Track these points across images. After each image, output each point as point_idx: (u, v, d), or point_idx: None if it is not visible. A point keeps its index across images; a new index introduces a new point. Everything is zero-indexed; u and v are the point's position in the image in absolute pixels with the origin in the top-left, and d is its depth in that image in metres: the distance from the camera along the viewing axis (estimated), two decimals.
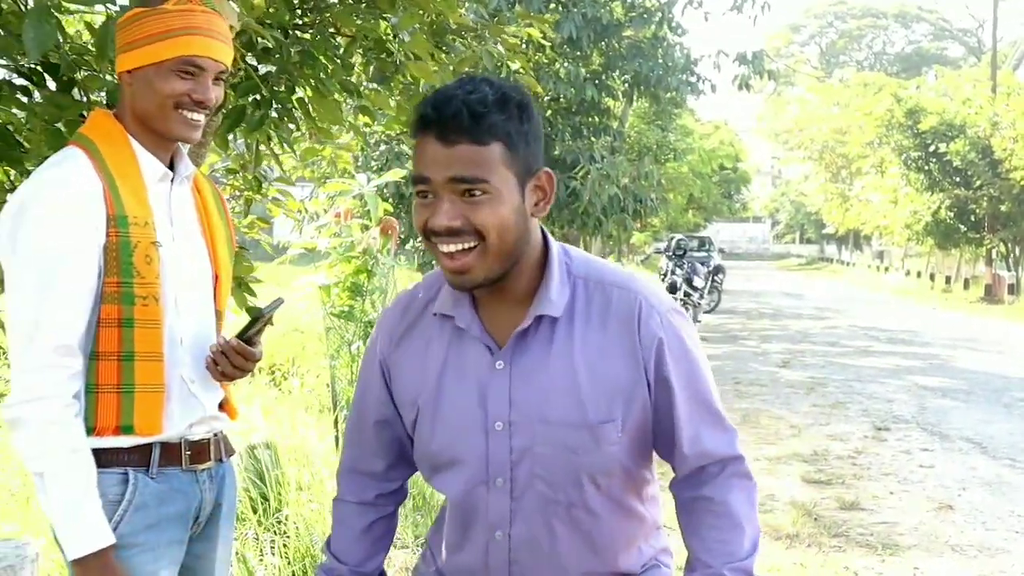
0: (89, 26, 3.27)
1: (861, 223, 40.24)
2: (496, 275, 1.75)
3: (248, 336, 2.26)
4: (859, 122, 34.93)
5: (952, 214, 30.78)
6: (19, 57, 2.84)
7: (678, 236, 24.27)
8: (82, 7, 2.92)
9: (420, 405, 1.90)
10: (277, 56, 3.42)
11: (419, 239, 13.09)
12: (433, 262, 12.04)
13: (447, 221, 1.68)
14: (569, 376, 1.81)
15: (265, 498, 4.94)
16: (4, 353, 9.71)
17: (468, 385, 1.85)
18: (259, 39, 3.29)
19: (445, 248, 1.72)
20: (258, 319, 2.26)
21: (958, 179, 30.14)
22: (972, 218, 30.74)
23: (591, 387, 1.80)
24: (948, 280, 33.81)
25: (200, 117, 2.20)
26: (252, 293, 3.92)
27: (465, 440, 1.85)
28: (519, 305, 1.83)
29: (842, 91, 44.07)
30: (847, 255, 57.24)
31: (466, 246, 1.71)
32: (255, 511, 4.83)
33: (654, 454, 1.98)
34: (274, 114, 3.59)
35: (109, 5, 2.44)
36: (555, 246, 1.87)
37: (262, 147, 3.91)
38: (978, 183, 29.15)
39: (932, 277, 35.33)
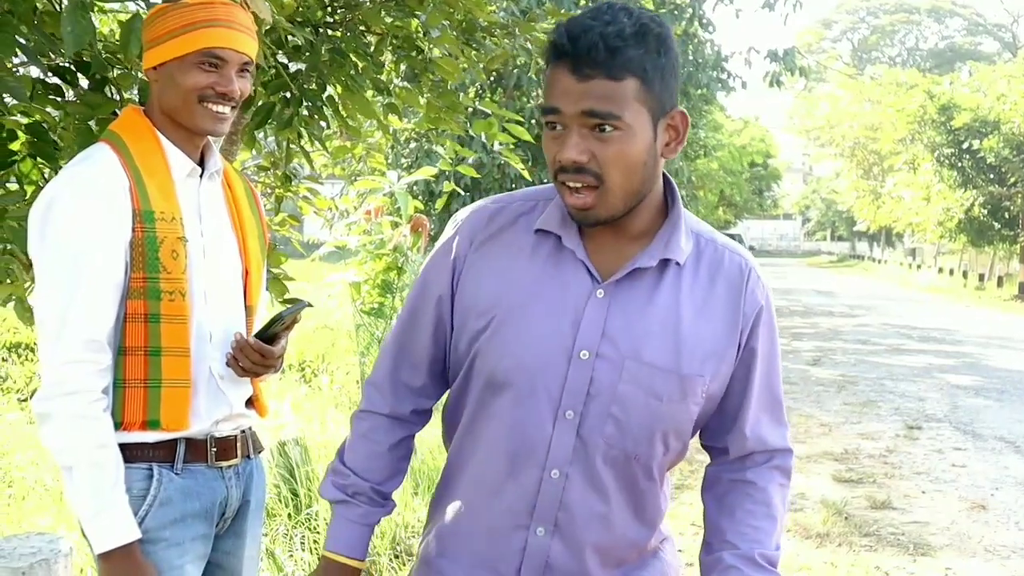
0: (122, 24, 3.29)
1: (893, 220, 39.92)
2: (619, 213, 1.69)
3: (267, 335, 2.26)
4: (891, 119, 34.64)
5: (986, 211, 30.51)
6: (53, 56, 2.87)
7: None
8: (115, 4, 2.94)
9: (496, 316, 1.76)
10: (308, 54, 3.44)
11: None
12: None
13: (576, 155, 1.61)
14: (671, 322, 1.73)
15: (295, 494, 4.97)
16: (32, 349, 9.81)
17: (559, 307, 1.73)
18: (290, 37, 3.31)
19: (572, 183, 1.65)
20: (277, 321, 2.25)
21: (992, 176, 29.86)
22: (1006, 215, 30.45)
23: (690, 338, 1.74)
24: (981, 278, 33.52)
25: (225, 109, 2.20)
26: (287, 290, 3.94)
27: (543, 362, 1.72)
28: (632, 242, 1.75)
29: (874, 87, 43.73)
30: (879, 252, 56.87)
31: (590, 184, 1.64)
32: (285, 507, 4.86)
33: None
34: (304, 112, 3.60)
35: (139, 2, 2.46)
36: (679, 195, 1.80)
37: (292, 145, 3.92)
38: (1012, 180, 28.87)
39: (965, 275, 35.03)
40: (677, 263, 1.75)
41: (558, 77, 1.61)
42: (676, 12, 14.12)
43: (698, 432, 1.90)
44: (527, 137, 4.79)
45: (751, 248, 29.91)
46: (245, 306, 2.35)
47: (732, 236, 29.06)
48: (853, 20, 74.42)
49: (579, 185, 1.64)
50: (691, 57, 14.04)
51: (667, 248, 1.74)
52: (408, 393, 1.93)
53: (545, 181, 13.16)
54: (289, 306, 2.30)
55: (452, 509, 1.87)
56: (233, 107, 2.22)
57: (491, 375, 1.77)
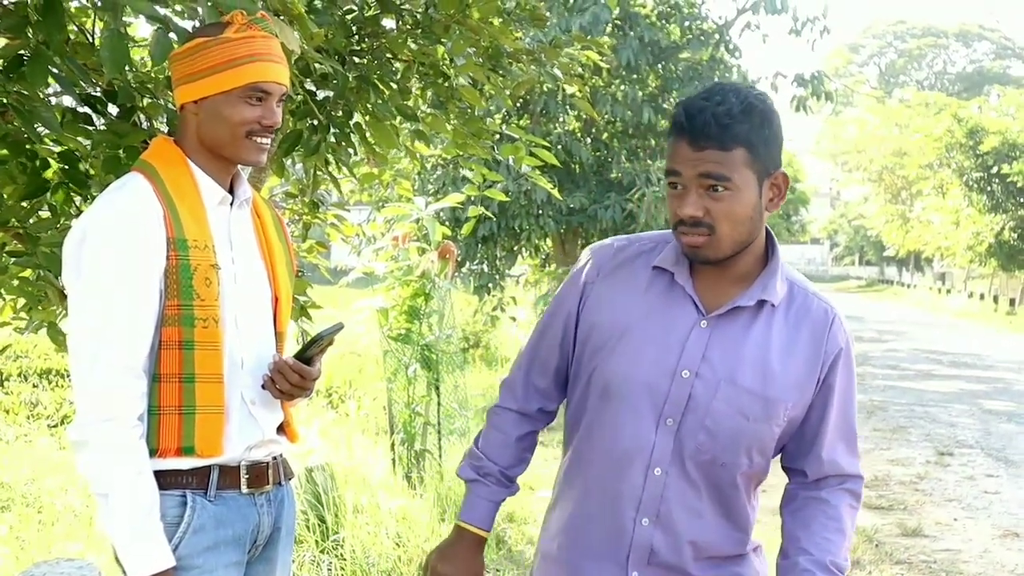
0: (151, 53, 3.33)
1: (922, 245, 39.66)
2: (725, 257, 2.01)
3: (306, 356, 2.28)
4: (919, 143, 34.48)
5: (1016, 235, 30.25)
6: (84, 86, 2.90)
7: None
8: (145, 32, 2.97)
9: (616, 334, 2.09)
10: (335, 82, 3.46)
11: (476, 262, 13.03)
12: (489, 285, 12.02)
13: (692, 211, 1.94)
14: (761, 354, 2.04)
15: (322, 520, 4.97)
16: (63, 375, 9.89)
17: (669, 333, 2.06)
18: (317, 65, 3.33)
19: (689, 233, 1.97)
20: (317, 341, 2.28)
21: (1022, 200, 29.62)
22: None
23: (777, 369, 2.04)
24: (1012, 303, 33.20)
25: (268, 140, 2.24)
26: (309, 317, 3.95)
27: (651, 378, 2.04)
28: (734, 283, 2.07)
29: (902, 112, 43.55)
30: (908, 277, 56.47)
31: (703, 233, 1.97)
32: (312, 534, 4.86)
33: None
34: (331, 139, 3.62)
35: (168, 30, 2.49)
36: (778, 246, 2.11)
37: (320, 172, 3.95)
38: None
39: (995, 299, 34.71)
40: (772, 304, 2.06)
41: (679, 148, 1.95)
42: (703, 38, 14.12)
43: (779, 454, 2.19)
44: (554, 161, 4.80)
45: None
46: (275, 332, 2.37)
47: None
48: (880, 44, 74.23)
49: (695, 234, 1.97)
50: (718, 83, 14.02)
51: (764, 291, 2.05)
52: (536, 394, 2.30)
53: (571, 205, 13.18)
54: (326, 327, 2.32)
55: (569, 506, 2.20)
56: (273, 137, 2.26)
57: (607, 386, 2.10)
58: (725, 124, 1.91)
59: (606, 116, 13.29)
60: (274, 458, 2.34)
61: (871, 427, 10.49)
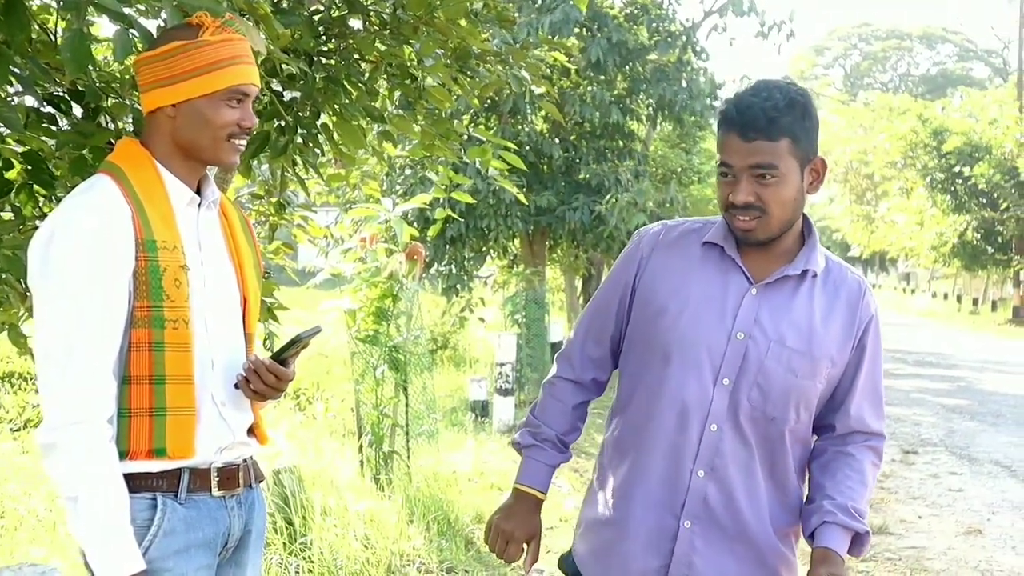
0: (115, 38, 3.30)
1: (887, 245, 40.00)
2: (775, 236, 2.23)
3: (282, 358, 2.27)
4: (884, 144, 34.75)
5: (979, 235, 30.55)
6: (47, 85, 2.87)
7: None
8: (107, 33, 2.94)
9: (673, 302, 2.28)
10: (302, 82, 3.44)
11: (444, 263, 12.99)
12: (457, 286, 12.01)
13: (744, 197, 2.16)
14: (806, 317, 2.25)
15: (290, 523, 4.94)
16: (25, 379, 9.78)
17: (722, 299, 2.26)
18: (284, 66, 3.32)
19: (740, 219, 2.19)
20: (295, 342, 2.27)
21: (985, 200, 29.93)
22: (999, 240, 30.49)
23: (820, 331, 2.25)
24: (975, 302, 33.57)
25: (245, 142, 2.25)
26: (276, 319, 3.94)
27: (709, 340, 2.24)
28: (778, 257, 2.27)
29: (866, 113, 43.86)
30: (873, 277, 56.94)
31: (754, 216, 2.18)
32: (280, 536, 4.83)
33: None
34: (299, 140, 3.61)
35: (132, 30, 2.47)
36: (814, 226, 2.34)
37: (287, 172, 3.93)
38: (1005, 205, 28.94)
39: (959, 299, 35.08)
40: (814, 274, 2.27)
41: (729, 140, 2.17)
42: (670, 40, 14.17)
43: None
44: (521, 165, 4.80)
45: None
46: (244, 334, 2.35)
47: None
48: (845, 47, 74.69)
49: (747, 217, 2.18)
50: (685, 85, 14.07)
51: (808, 262, 2.27)
52: (591, 364, 2.48)
53: (539, 205, 13.17)
54: (306, 329, 2.32)
55: (622, 470, 2.35)
56: (248, 138, 2.25)
57: (667, 347, 2.27)
58: (772, 117, 2.12)
59: (574, 117, 13.31)
60: (244, 460, 2.33)
61: None
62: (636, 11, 14.41)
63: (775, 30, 15.31)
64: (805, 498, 2.35)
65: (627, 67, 14.18)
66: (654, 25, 14.35)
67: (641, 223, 13.10)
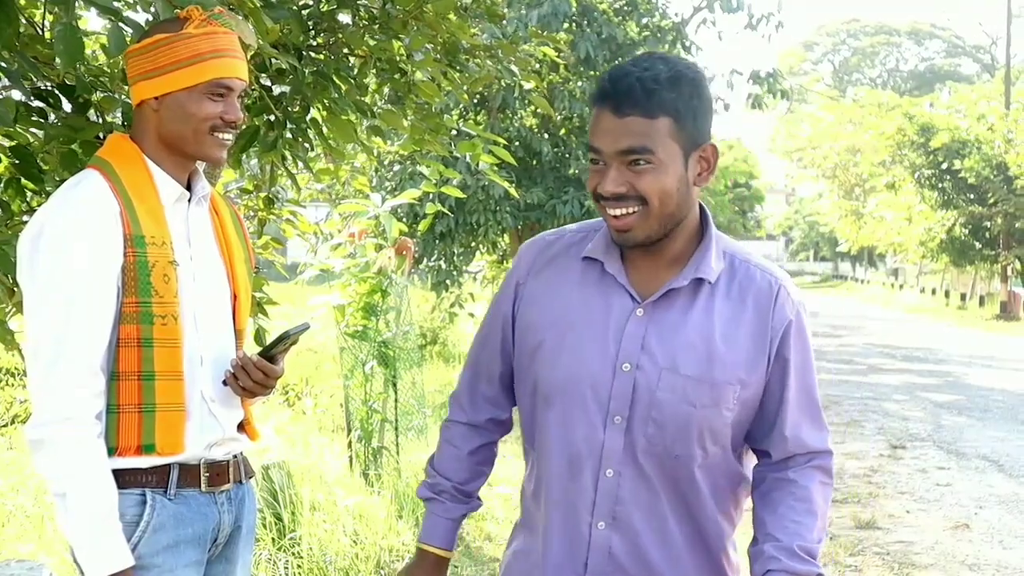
0: (104, 48, 3.29)
1: (875, 240, 40.11)
2: (656, 236, 1.91)
3: (271, 354, 2.26)
4: (872, 140, 34.82)
5: (967, 231, 30.64)
6: (35, 79, 2.86)
7: None
8: (97, 27, 2.94)
9: (551, 334, 2.00)
10: (291, 77, 3.44)
11: (434, 259, 12.99)
12: (446, 281, 12.01)
13: (613, 187, 1.85)
14: (704, 337, 1.93)
15: (279, 518, 4.94)
16: (13, 374, 9.75)
17: (604, 325, 1.96)
18: (273, 60, 3.31)
19: (612, 211, 1.88)
20: (283, 339, 2.27)
21: (972, 196, 30.01)
22: (987, 235, 30.59)
23: (722, 350, 1.93)
24: (963, 297, 33.66)
25: (230, 136, 2.23)
26: (265, 314, 3.93)
27: (593, 374, 1.95)
28: (669, 266, 1.97)
29: (855, 109, 43.95)
30: (861, 273, 57.03)
31: (630, 210, 1.87)
32: (269, 532, 4.83)
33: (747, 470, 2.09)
34: (288, 134, 3.60)
35: (123, 25, 2.47)
36: (712, 221, 2.02)
37: (277, 167, 3.92)
38: (992, 200, 29.03)
39: (947, 294, 35.16)
40: (709, 282, 1.95)
41: (600, 117, 1.86)
42: (659, 35, 14.18)
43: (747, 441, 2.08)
44: (511, 160, 4.80)
45: None
46: (234, 330, 2.35)
47: None
48: (834, 42, 74.83)
49: (620, 212, 1.87)
50: None
51: (698, 269, 1.95)
52: (484, 404, 2.20)
53: (529, 200, 13.18)
54: (294, 326, 2.31)
55: (531, 521, 2.12)
56: (235, 133, 2.24)
57: (548, 388, 2.00)
58: (651, 90, 1.82)
59: (564, 112, 13.32)
60: (234, 456, 2.33)
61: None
62: (626, 6, 14.42)
63: (764, 22, 15.33)
64: (752, 537, 2.04)
65: (616, 62, 14.17)
66: (644, 20, 14.36)
67: None
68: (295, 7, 3.41)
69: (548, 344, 2.00)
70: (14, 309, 3.17)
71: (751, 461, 2.10)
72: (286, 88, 3.54)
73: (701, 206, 2.01)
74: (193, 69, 2.14)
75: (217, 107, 2.17)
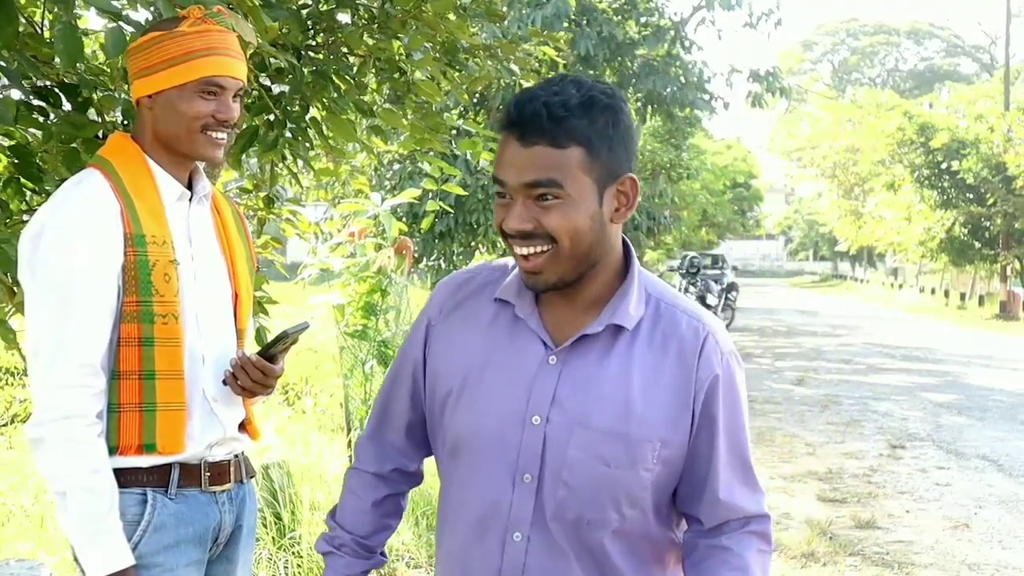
0: (104, 47, 3.29)
1: (875, 240, 40.12)
2: (570, 278, 1.72)
3: (270, 354, 2.26)
4: (871, 140, 34.83)
5: (966, 231, 30.65)
6: (35, 78, 2.86)
7: (691, 254, 24.24)
8: (96, 26, 2.94)
9: (458, 383, 1.82)
10: (290, 76, 3.44)
11: (433, 258, 13.01)
12: None
13: (518, 224, 1.66)
14: (621, 389, 1.74)
15: (279, 518, 4.94)
16: (13, 373, 9.74)
17: (514, 375, 1.78)
18: (272, 60, 3.31)
19: (519, 250, 1.70)
20: (282, 339, 2.26)
21: (972, 196, 30.03)
22: (986, 235, 30.61)
23: (640, 405, 1.73)
24: (963, 297, 33.66)
25: (224, 135, 2.22)
26: (266, 313, 3.93)
27: (500, 428, 1.76)
28: (587, 309, 1.78)
29: (854, 109, 44.01)
30: (861, 272, 57.05)
31: (538, 249, 1.68)
32: (268, 531, 4.83)
33: (677, 533, 1.89)
34: (288, 134, 3.60)
35: (122, 24, 2.47)
36: (636, 260, 1.82)
37: (277, 167, 3.92)
38: (992, 200, 29.05)
39: (947, 294, 35.17)
40: (627, 329, 1.76)
41: (506, 146, 1.67)
42: (659, 34, 14.20)
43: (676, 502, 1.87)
44: None
45: (734, 268, 29.74)
46: (236, 329, 2.35)
47: (715, 257, 29.18)
48: (833, 42, 74.92)
49: (529, 251, 1.68)
50: (679, 77, 14.11)
51: (615, 314, 1.75)
52: (392, 452, 2.00)
53: None
54: (292, 325, 2.31)
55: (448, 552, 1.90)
56: (230, 132, 2.24)
57: (455, 442, 1.82)
58: (559, 117, 1.62)
59: None
60: (235, 456, 2.33)
61: (825, 420, 10.60)
62: (625, 5, 14.43)
63: (763, 19, 15.36)
64: None
65: (616, 61, 14.20)
66: (643, 19, 14.38)
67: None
68: (294, 6, 3.42)
69: (455, 394, 1.82)
70: (14, 309, 3.17)
71: (683, 524, 1.90)
72: (285, 87, 3.54)
73: (626, 243, 1.83)
74: (183, 67, 2.13)
75: (209, 106, 2.16)
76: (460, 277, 1.95)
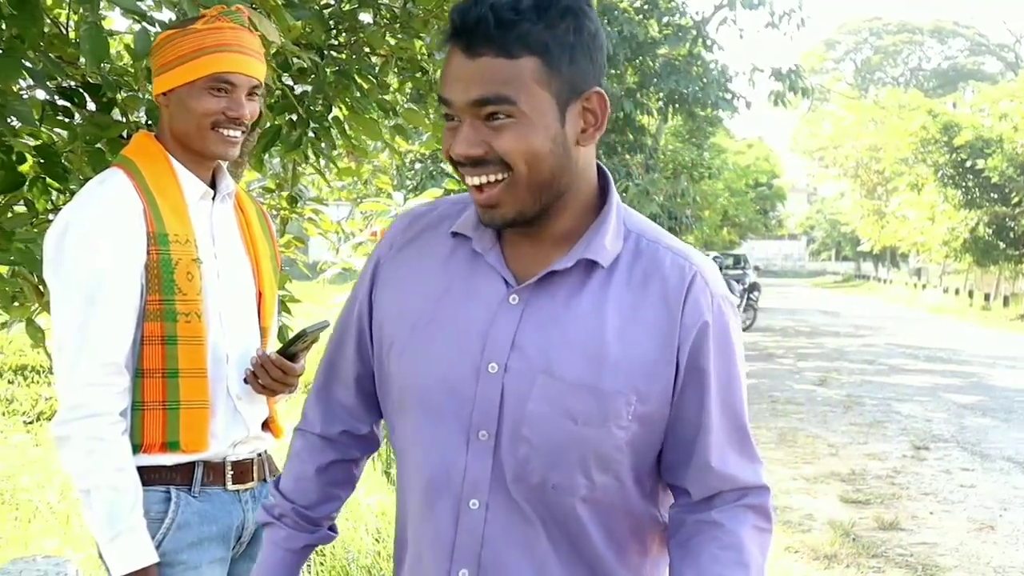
0: (128, 48, 3.31)
1: (898, 240, 39.92)
2: (532, 212, 1.46)
3: (290, 352, 2.26)
4: (894, 139, 34.66)
5: (991, 231, 30.46)
6: (60, 79, 2.88)
7: (713, 254, 24.17)
8: (121, 27, 2.96)
9: (406, 327, 1.57)
10: (313, 76, 3.45)
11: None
12: None
13: (466, 149, 1.42)
14: (593, 333, 1.48)
15: None
16: (38, 371, 9.82)
17: (469, 317, 1.52)
18: (295, 59, 3.32)
19: (470, 180, 1.45)
20: (302, 337, 2.27)
21: (996, 195, 29.84)
22: (1011, 234, 30.40)
23: (614, 352, 1.47)
24: (987, 297, 33.44)
25: (237, 133, 2.21)
26: (288, 312, 3.95)
27: (452, 378, 1.51)
28: (556, 246, 1.52)
29: (877, 108, 43.80)
30: (884, 272, 56.79)
31: (492, 178, 1.44)
32: None
33: (662, 510, 1.63)
34: (311, 133, 3.62)
35: (147, 24, 2.49)
36: (615, 192, 1.57)
37: (300, 166, 3.94)
38: (1017, 199, 28.85)
39: (971, 294, 34.95)
40: (603, 266, 1.50)
41: (450, 59, 1.43)
42: (680, 33, 14.18)
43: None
44: None
45: (756, 268, 29.59)
46: (260, 328, 2.35)
47: (737, 257, 29.06)
48: (856, 41, 74.57)
49: (481, 180, 1.44)
50: (702, 77, 14.10)
51: (588, 248, 1.50)
52: (340, 411, 1.75)
53: None
54: (312, 324, 2.31)
55: (397, 555, 1.68)
56: (244, 131, 2.23)
57: (401, 395, 1.58)
58: (508, 21, 1.37)
59: None
60: (259, 454, 2.33)
61: (848, 421, 10.55)
62: (646, 4, 14.42)
63: (785, 18, 15.32)
64: None
65: (637, 60, 14.18)
66: (664, 19, 14.36)
67: (653, 212, 13.10)
68: (317, 6, 3.43)
69: (402, 340, 1.57)
70: (41, 308, 3.20)
71: (669, 500, 1.63)
72: (308, 87, 3.55)
73: (602, 171, 1.57)
74: (193, 64, 2.13)
75: (219, 103, 2.16)
76: (418, 210, 1.69)
